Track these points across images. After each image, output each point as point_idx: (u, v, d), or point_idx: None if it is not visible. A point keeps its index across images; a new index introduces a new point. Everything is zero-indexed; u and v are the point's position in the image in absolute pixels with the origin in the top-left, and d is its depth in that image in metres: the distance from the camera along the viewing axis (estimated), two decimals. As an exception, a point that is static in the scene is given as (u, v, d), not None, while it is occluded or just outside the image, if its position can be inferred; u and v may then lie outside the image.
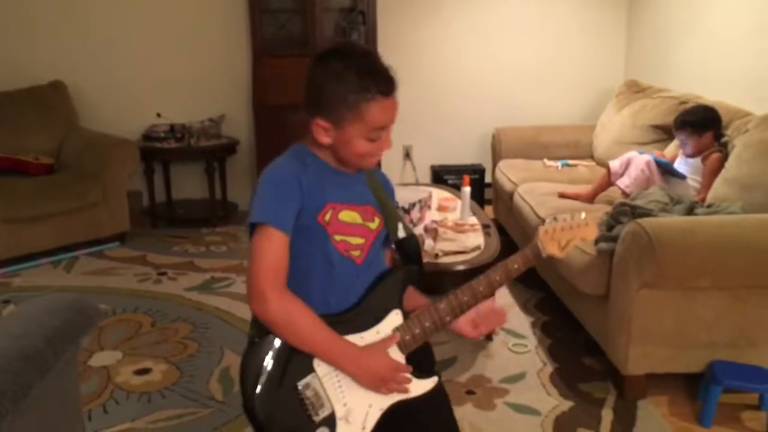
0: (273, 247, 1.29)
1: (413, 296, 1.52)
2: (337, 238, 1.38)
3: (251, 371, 1.32)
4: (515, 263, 1.46)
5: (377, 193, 1.49)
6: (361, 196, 1.45)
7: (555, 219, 1.50)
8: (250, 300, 1.30)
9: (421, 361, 1.44)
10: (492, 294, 1.47)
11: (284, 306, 1.28)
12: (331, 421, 1.34)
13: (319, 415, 1.33)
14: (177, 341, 2.85)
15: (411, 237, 1.51)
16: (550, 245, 1.48)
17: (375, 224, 1.45)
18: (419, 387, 1.41)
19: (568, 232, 1.49)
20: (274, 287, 1.28)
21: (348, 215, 1.40)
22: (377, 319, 1.40)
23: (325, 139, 1.35)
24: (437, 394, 1.47)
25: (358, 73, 1.30)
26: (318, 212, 1.36)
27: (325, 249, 1.37)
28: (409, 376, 1.39)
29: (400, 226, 1.50)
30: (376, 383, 1.35)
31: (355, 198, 1.43)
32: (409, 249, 1.51)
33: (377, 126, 1.34)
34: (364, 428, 1.36)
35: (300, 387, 1.33)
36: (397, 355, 1.39)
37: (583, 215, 1.51)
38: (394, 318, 1.41)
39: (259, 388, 1.30)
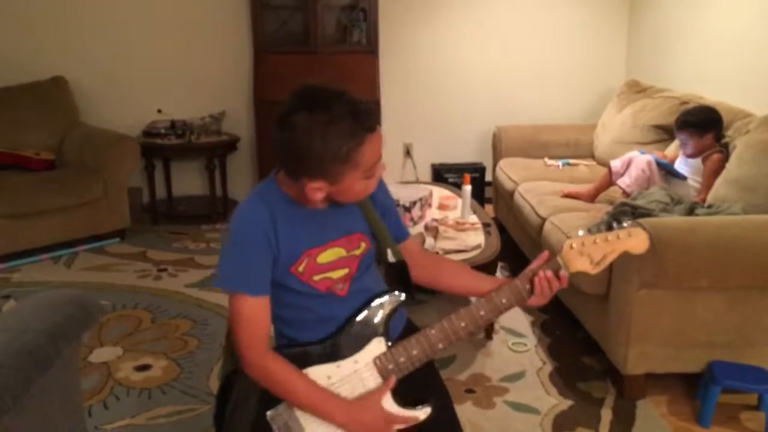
0: (249, 315, 1.28)
1: (470, 278, 1.47)
2: (316, 278, 1.34)
3: (225, 393, 1.36)
4: (526, 282, 1.38)
5: (368, 215, 1.41)
6: (344, 227, 1.37)
7: (588, 231, 1.39)
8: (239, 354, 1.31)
9: (413, 389, 1.38)
10: (496, 317, 1.38)
11: (264, 367, 1.28)
12: None
13: None
14: (177, 338, 2.86)
15: (400, 263, 1.45)
16: (577, 261, 1.36)
17: (360, 249, 1.39)
18: (412, 420, 1.36)
19: (604, 246, 1.35)
20: (252, 351, 1.28)
21: (328, 255, 1.34)
22: (357, 348, 1.34)
23: (319, 195, 1.26)
24: (441, 413, 1.44)
25: (341, 123, 1.18)
26: (292, 264, 1.31)
27: (304, 292, 1.34)
28: (405, 417, 1.33)
29: (390, 251, 1.43)
30: None
31: (337, 232, 1.36)
32: (400, 274, 1.45)
33: (372, 164, 1.26)
34: None
35: (269, 415, 1.31)
36: (376, 385, 1.33)
37: (625, 224, 1.38)
38: (376, 346, 1.35)
39: (229, 413, 1.34)
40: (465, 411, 2.32)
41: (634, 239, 1.35)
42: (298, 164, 1.23)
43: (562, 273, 1.38)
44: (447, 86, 4.77)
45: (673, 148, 3.32)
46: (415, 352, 1.34)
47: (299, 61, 4.34)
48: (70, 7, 4.39)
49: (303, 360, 1.33)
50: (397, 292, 1.40)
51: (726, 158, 2.88)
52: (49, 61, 4.38)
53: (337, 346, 1.34)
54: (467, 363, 2.65)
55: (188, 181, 4.75)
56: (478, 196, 4.30)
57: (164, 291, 3.34)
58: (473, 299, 1.43)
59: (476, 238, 2.78)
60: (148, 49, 4.53)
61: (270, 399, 1.31)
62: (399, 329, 1.47)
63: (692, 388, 2.43)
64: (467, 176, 3.13)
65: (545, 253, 1.43)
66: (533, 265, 1.41)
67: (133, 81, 4.55)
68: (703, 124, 2.97)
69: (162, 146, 4.31)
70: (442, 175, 4.69)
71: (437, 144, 4.82)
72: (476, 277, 1.48)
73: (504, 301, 1.37)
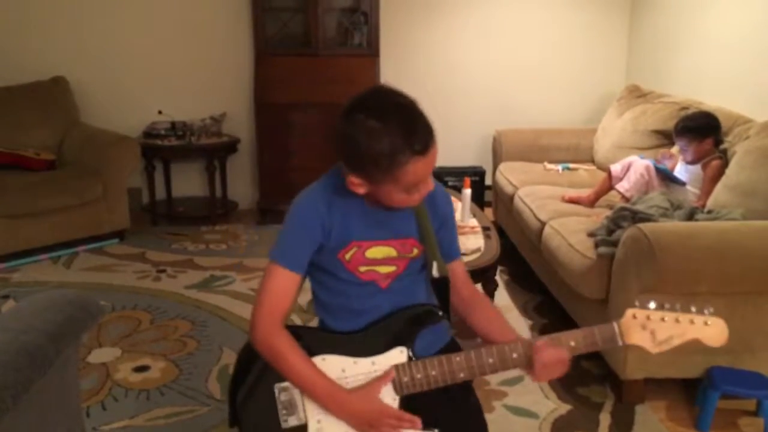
0: (275, 285, 1.32)
1: (497, 327, 1.43)
2: (362, 269, 1.36)
3: (243, 357, 1.38)
4: (570, 340, 1.29)
5: (422, 224, 1.39)
6: (398, 230, 1.37)
7: (661, 306, 1.25)
8: (250, 326, 1.34)
9: (431, 410, 1.34)
10: (523, 365, 1.31)
11: (271, 341, 1.30)
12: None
13: (288, 422, 1.32)
14: (176, 339, 2.85)
15: (443, 278, 1.42)
16: (637, 334, 1.25)
17: (412, 254, 1.39)
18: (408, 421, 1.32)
19: (672, 326, 1.23)
20: (266, 322, 1.31)
21: (379, 251, 1.36)
22: (379, 350, 1.34)
23: (360, 190, 1.28)
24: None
25: (391, 134, 1.18)
26: (339, 250, 1.34)
27: (347, 279, 1.36)
28: (407, 425, 1.31)
29: (435, 265, 1.41)
30: (364, 427, 1.31)
31: (392, 233, 1.37)
32: (439, 290, 1.43)
33: (415, 182, 1.25)
34: None
35: (276, 389, 1.33)
36: (389, 394, 1.32)
37: (709, 310, 1.24)
38: (398, 355, 1.34)
39: (241, 377, 1.36)
40: (464, 414, 2.32)
41: (711, 330, 1.24)
42: (343, 155, 1.26)
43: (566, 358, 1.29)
44: (447, 89, 4.78)
45: (673, 152, 3.32)
46: (433, 372, 1.32)
47: (300, 64, 4.35)
48: (72, 8, 4.39)
49: (323, 346, 1.35)
50: (431, 308, 1.40)
51: (725, 164, 2.88)
52: (50, 61, 4.38)
53: (360, 343, 1.35)
54: (466, 366, 2.65)
55: (188, 182, 4.75)
56: (478, 200, 4.30)
57: (163, 292, 3.34)
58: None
59: (476, 241, 2.78)
60: (149, 50, 4.53)
61: (279, 376, 1.33)
62: (439, 345, 1.46)
63: (691, 393, 2.43)
64: (467, 180, 3.13)
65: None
66: (586, 330, 1.30)
67: (133, 82, 4.55)
68: (702, 130, 2.98)
69: (162, 147, 4.31)
70: (442, 178, 4.69)
71: (438, 147, 4.80)
72: (504, 330, 1.42)
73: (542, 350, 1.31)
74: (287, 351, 1.30)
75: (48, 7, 4.37)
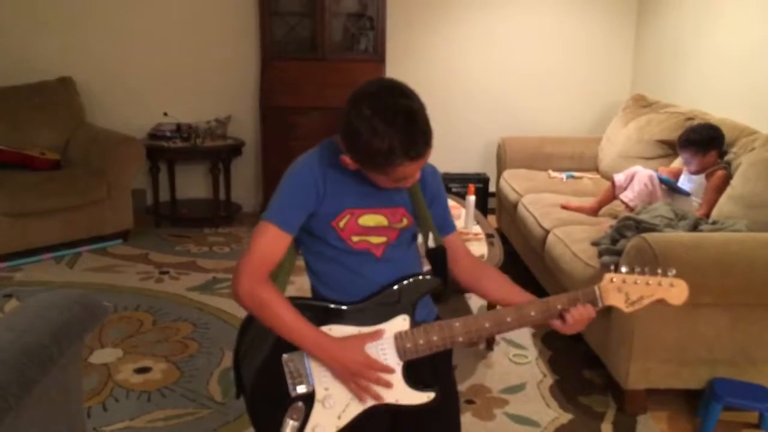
0: (264, 241, 1.34)
1: (510, 290, 1.47)
2: (355, 239, 1.38)
3: (246, 329, 1.39)
4: (558, 303, 1.38)
5: (414, 197, 1.44)
6: (391, 198, 1.41)
7: (632, 270, 1.37)
8: (233, 279, 1.36)
9: (427, 373, 1.40)
10: (521, 327, 1.39)
11: (254, 292, 1.32)
12: (308, 399, 1.36)
13: (297, 390, 1.35)
14: (177, 341, 2.85)
15: (440, 248, 1.47)
16: (613, 296, 1.37)
17: (402, 224, 1.42)
18: (408, 396, 1.37)
19: (643, 288, 1.36)
20: (251, 274, 1.32)
21: (371, 219, 1.39)
22: (382, 319, 1.38)
23: (351, 167, 1.33)
24: (449, 411, 1.45)
25: (392, 136, 1.22)
26: (333, 218, 1.37)
27: (340, 248, 1.39)
28: (388, 378, 1.35)
29: (431, 236, 1.46)
30: (346, 376, 1.34)
31: (383, 201, 1.40)
32: (437, 260, 1.47)
33: (402, 179, 1.31)
34: (339, 418, 1.36)
35: (284, 358, 1.36)
36: (393, 359, 1.36)
37: (671, 272, 1.36)
38: (400, 323, 1.38)
39: (245, 346, 1.39)
40: (464, 422, 2.31)
41: (675, 290, 1.36)
42: (343, 137, 1.30)
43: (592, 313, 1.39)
44: (453, 96, 4.78)
45: (677, 163, 3.32)
46: (435, 338, 1.37)
47: (306, 68, 4.36)
48: (79, 9, 4.41)
49: (327, 317, 1.37)
50: (430, 276, 1.44)
51: (730, 175, 2.88)
52: (57, 61, 4.40)
53: (362, 312, 1.38)
54: (468, 373, 2.64)
55: (192, 184, 4.75)
56: (482, 207, 4.29)
57: (165, 293, 3.34)
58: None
59: (479, 248, 2.78)
60: (156, 52, 4.55)
61: (286, 344, 1.35)
62: (435, 313, 1.51)
63: (693, 404, 2.42)
64: (471, 186, 3.14)
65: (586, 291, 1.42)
66: (571, 293, 1.41)
67: (140, 83, 4.57)
68: (706, 142, 2.98)
69: (167, 149, 4.32)
70: (445, 184, 4.66)
71: (441, 153, 4.77)
72: (516, 291, 1.48)
73: (533, 314, 1.38)
74: (273, 300, 1.32)
75: (56, 8, 4.39)
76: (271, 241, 1.34)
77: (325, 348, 1.33)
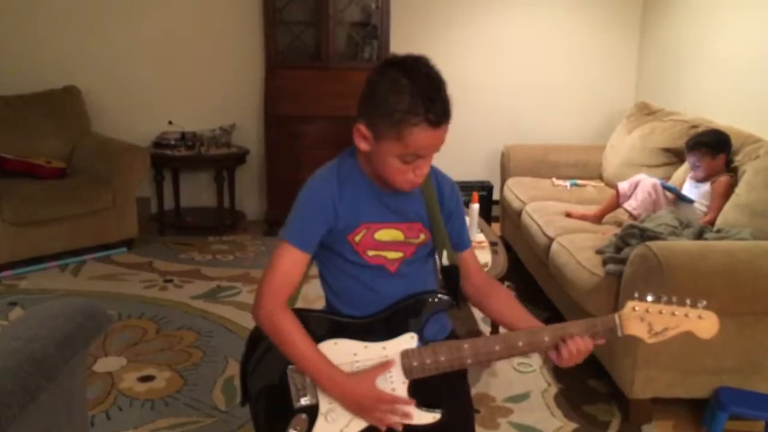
0: (284, 263, 1.34)
1: (516, 314, 1.43)
2: (371, 253, 1.37)
3: (257, 339, 1.39)
4: (573, 328, 1.32)
5: (431, 212, 1.41)
6: (407, 213, 1.39)
7: (658, 298, 1.29)
8: (254, 301, 1.36)
9: (437, 393, 1.38)
10: (532, 353, 1.35)
11: (274, 319, 1.32)
12: (311, 412, 1.35)
13: (300, 402, 1.35)
14: (181, 349, 2.85)
15: (453, 268, 1.44)
16: (635, 325, 1.29)
17: (419, 239, 1.41)
18: (414, 415, 1.35)
19: (669, 318, 1.28)
20: (270, 299, 1.33)
21: (387, 234, 1.37)
22: (389, 335, 1.36)
23: (363, 146, 1.31)
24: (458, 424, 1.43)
25: (414, 94, 1.23)
26: (349, 232, 1.36)
27: (355, 262, 1.38)
28: (405, 409, 1.33)
29: (445, 253, 1.43)
30: (358, 411, 1.33)
31: (400, 216, 1.39)
32: (450, 278, 1.45)
33: (414, 152, 1.27)
34: None
35: (289, 369, 1.35)
36: (399, 378, 1.34)
37: (702, 304, 1.28)
38: (408, 340, 1.36)
39: (254, 355, 1.39)
40: (469, 431, 2.30)
41: (704, 323, 1.28)
42: (361, 100, 1.29)
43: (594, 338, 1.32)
44: (456, 104, 4.68)
45: (681, 172, 3.31)
46: (442, 358, 1.34)
47: (310, 77, 4.37)
48: (85, 18, 4.44)
49: (335, 330, 1.37)
50: (441, 295, 1.41)
51: (735, 182, 2.87)
52: (63, 70, 4.42)
53: (370, 327, 1.37)
54: (472, 382, 2.63)
55: (196, 192, 4.77)
56: (486, 215, 4.30)
57: (170, 302, 3.35)
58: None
59: (483, 256, 2.77)
60: (161, 60, 4.57)
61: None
62: (441, 337, 1.48)
63: (699, 413, 2.41)
64: (475, 194, 3.13)
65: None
66: (588, 321, 1.35)
67: (145, 92, 4.59)
68: (715, 145, 2.97)
69: (172, 157, 4.33)
70: (449, 192, 4.68)
71: (445, 161, 4.75)
72: (522, 316, 1.43)
73: (546, 339, 1.33)
74: (290, 330, 1.31)
75: (62, 18, 4.42)
76: (292, 263, 1.34)
77: (338, 383, 1.32)
